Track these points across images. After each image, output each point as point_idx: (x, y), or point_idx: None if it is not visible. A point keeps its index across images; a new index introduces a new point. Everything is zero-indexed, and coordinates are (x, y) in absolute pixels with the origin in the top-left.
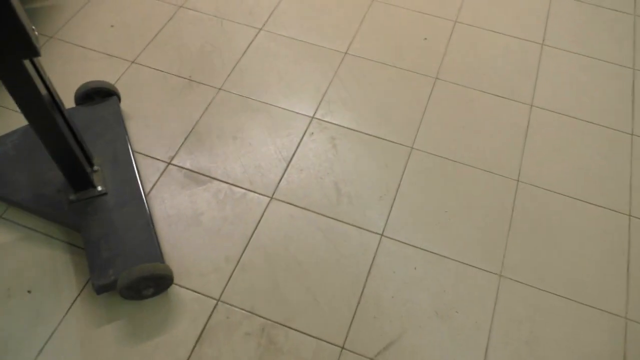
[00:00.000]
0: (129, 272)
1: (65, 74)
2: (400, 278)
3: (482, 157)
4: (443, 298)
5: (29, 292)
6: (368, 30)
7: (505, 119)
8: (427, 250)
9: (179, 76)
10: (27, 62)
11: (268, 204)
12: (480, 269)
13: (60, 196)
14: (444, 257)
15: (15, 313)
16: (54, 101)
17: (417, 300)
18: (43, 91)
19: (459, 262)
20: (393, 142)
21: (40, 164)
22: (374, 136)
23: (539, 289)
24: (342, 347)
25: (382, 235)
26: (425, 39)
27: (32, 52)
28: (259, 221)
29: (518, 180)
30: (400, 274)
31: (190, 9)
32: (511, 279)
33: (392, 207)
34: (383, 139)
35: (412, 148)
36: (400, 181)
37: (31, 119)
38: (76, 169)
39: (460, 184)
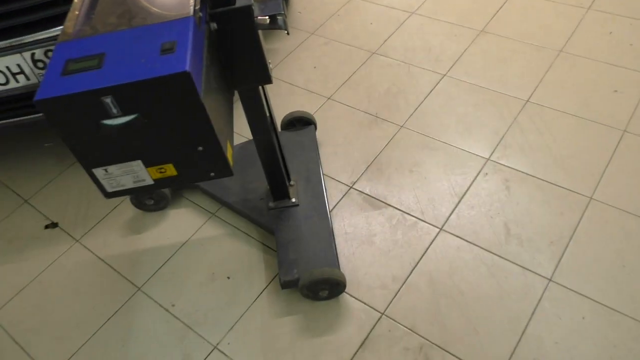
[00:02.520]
0: (310, 272)
1: (274, 104)
2: (566, 325)
3: None
4: (613, 354)
5: (228, 278)
6: (552, 80)
7: None
8: (598, 302)
9: (367, 112)
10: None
11: (437, 234)
12: None
13: (262, 203)
14: (617, 311)
15: (216, 293)
16: (272, 123)
17: (583, 351)
18: (267, 113)
19: (635, 319)
20: (571, 190)
21: (249, 176)
22: (550, 183)
23: None
24: None
25: (550, 280)
26: (616, 91)
27: (267, 80)
28: (427, 249)
29: None
30: (566, 320)
31: (382, 55)
32: None
33: (563, 254)
34: (560, 187)
35: (591, 198)
36: (575, 230)
37: (256, 133)
38: (279, 181)
39: None
